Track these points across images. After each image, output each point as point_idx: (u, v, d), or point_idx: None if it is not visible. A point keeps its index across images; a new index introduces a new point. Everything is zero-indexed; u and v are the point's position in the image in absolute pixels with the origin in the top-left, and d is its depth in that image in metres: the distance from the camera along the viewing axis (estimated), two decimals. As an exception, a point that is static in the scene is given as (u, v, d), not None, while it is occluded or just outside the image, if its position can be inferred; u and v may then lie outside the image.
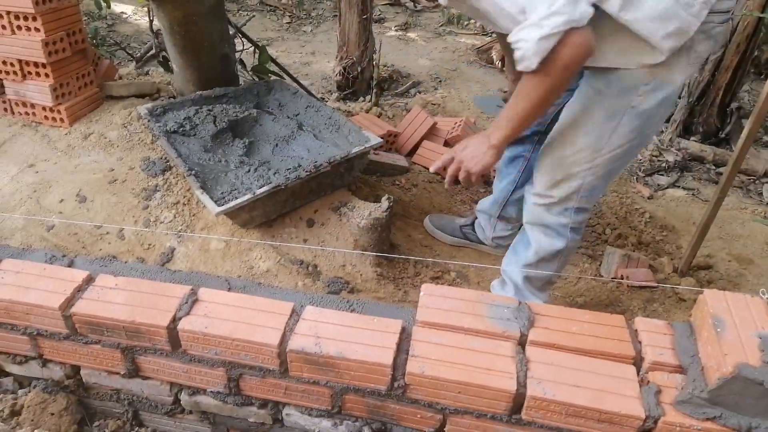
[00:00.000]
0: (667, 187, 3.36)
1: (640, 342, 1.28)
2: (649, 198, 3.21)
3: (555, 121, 1.89)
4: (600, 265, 2.50)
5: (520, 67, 1.39)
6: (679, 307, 2.27)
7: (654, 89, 1.49)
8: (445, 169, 1.69)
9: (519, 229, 2.36)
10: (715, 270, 2.58)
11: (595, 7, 1.34)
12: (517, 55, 1.37)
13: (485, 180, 2.14)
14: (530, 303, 1.36)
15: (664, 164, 3.54)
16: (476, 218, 2.46)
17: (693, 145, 3.65)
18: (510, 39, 1.37)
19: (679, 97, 4.00)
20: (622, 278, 2.37)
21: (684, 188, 3.37)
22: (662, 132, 3.88)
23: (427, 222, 2.56)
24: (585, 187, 1.69)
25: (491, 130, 1.57)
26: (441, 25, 6.34)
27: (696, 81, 3.66)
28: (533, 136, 2.05)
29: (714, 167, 3.57)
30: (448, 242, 2.51)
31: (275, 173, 2.08)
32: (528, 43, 1.32)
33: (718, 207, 2.27)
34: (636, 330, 1.31)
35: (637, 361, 1.25)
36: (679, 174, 3.49)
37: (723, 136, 3.77)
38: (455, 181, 1.67)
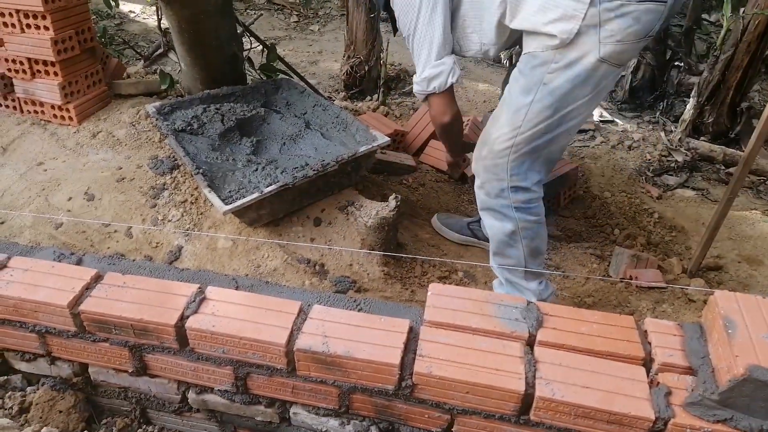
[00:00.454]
0: (676, 188, 3.34)
1: (649, 343, 1.27)
2: (658, 198, 3.19)
3: None
4: (608, 265, 2.49)
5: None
6: (689, 309, 2.26)
7: (564, 67, 1.62)
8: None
9: None
10: (725, 271, 2.56)
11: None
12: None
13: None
14: (539, 303, 1.35)
15: (673, 164, 3.52)
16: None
17: (703, 145, 3.62)
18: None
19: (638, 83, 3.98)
20: (631, 279, 2.36)
21: (693, 188, 3.34)
22: (672, 132, 3.85)
23: (435, 220, 2.56)
24: (511, 165, 1.78)
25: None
26: (448, 24, 6.31)
27: (706, 80, 3.63)
28: None
29: (724, 167, 3.54)
30: (455, 240, 2.51)
31: (282, 172, 2.08)
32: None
33: (728, 207, 2.25)
34: (645, 331, 1.30)
35: (647, 362, 1.24)
36: (688, 174, 3.47)
37: (733, 135, 3.74)
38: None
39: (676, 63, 4.28)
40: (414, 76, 1.90)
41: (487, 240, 2.47)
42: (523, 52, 1.72)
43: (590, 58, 1.60)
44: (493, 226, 1.92)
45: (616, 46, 1.58)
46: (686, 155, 3.56)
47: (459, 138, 2.16)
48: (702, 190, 3.32)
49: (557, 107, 1.67)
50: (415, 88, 1.92)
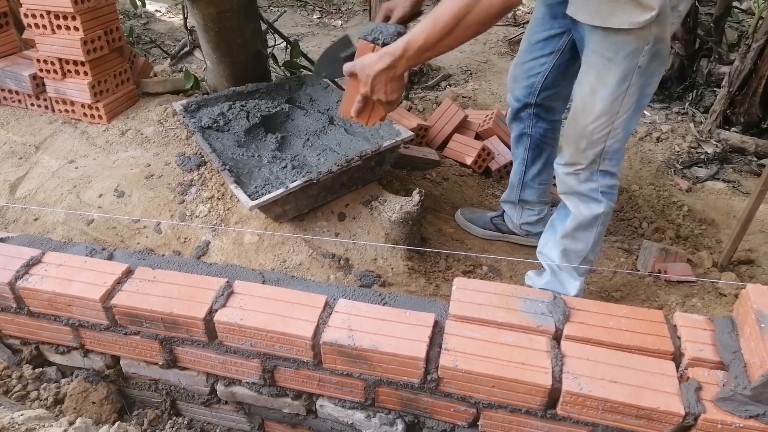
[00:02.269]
0: (706, 180, 3.27)
1: (679, 337, 1.25)
2: (687, 191, 3.13)
3: (545, 88, 2.04)
4: (636, 259, 2.45)
5: None
6: (719, 303, 2.21)
7: (653, 47, 1.59)
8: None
9: (545, 212, 2.35)
10: (757, 265, 2.51)
11: None
12: None
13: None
14: (566, 297, 1.34)
15: (703, 156, 3.45)
16: (504, 210, 2.48)
17: (733, 136, 3.54)
18: None
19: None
20: (660, 273, 2.32)
21: (724, 180, 3.27)
22: (701, 123, 3.77)
23: (459, 215, 2.55)
24: (607, 149, 1.76)
25: (396, 49, 1.44)
26: (471, 17, 6.26)
27: (737, 70, 3.54)
28: (525, 108, 2.11)
29: (755, 159, 3.45)
30: (480, 235, 2.50)
31: (307, 168, 2.09)
32: None
33: (761, 200, 2.20)
34: (675, 325, 1.28)
35: (677, 357, 1.22)
36: (718, 166, 3.39)
37: (765, 126, 3.64)
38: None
39: (706, 52, 4.18)
40: None
41: (511, 233, 2.46)
42: (593, 23, 1.58)
43: (668, 38, 1.61)
44: (577, 206, 1.89)
45: (676, 26, 1.60)
46: (716, 147, 3.48)
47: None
48: (733, 183, 3.24)
49: (644, 85, 1.68)
50: None
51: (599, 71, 1.67)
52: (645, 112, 4.01)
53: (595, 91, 1.69)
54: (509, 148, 2.93)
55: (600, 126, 1.72)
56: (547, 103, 2.09)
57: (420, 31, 1.41)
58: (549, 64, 1.99)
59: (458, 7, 1.34)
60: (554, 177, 2.00)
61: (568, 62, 1.97)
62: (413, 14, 1.77)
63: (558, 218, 2.00)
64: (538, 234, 2.39)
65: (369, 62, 1.48)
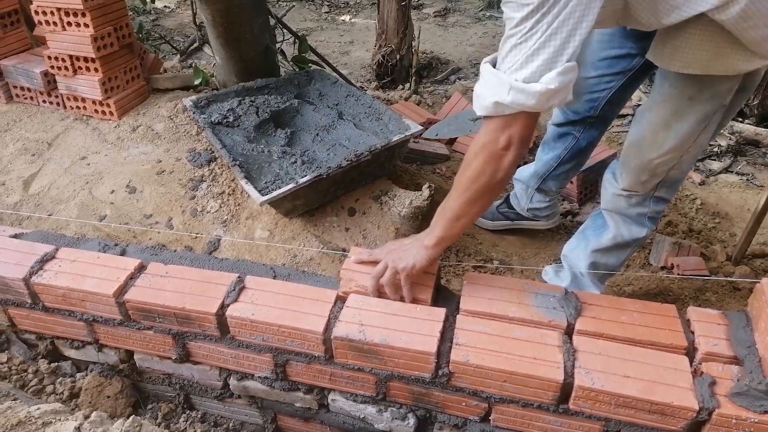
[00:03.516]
0: (719, 173, 3.23)
1: (692, 332, 1.24)
2: (700, 184, 3.10)
3: (608, 104, 1.89)
4: (649, 253, 2.43)
5: (475, 105, 1.25)
6: (733, 297, 2.20)
7: (743, 87, 1.46)
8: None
9: (555, 201, 2.32)
10: (772, 258, 2.48)
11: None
12: (476, 91, 1.25)
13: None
14: (577, 292, 1.33)
15: (716, 149, 3.41)
16: (509, 193, 2.44)
17: (747, 129, 3.49)
18: (481, 69, 1.25)
19: None
20: (672, 267, 2.30)
21: (738, 173, 3.23)
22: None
23: None
24: (668, 179, 1.67)
25: (427, 230, 1.37)
26: (480, 10, 6.24)
27: (751, 61, 3.49)
28: (585, 119, 2.01)
29: (770, 151, 3.41)
30: (489, 227, 2.48)
31: (317, 163, 2.09)
32: (487, 95, 1.19)
33: (776, 192, 2.18)
34: (688, 320, 1.27)
35: (690, 352, 1.21)
36: (732, 159, 3.35)
37: (780, 118, 3.60)
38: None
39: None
40: (496, 75, 1.18)
41: (520, 218, 2.43)
42: (687, 71, 1.39)
43: (762, 70, 1.44)
44: (619, 226, 1.81)
45: None
46: (730, 139, 3.44)
47: (493, 200, 1.50)
48: (747, 175, 3.21)
49: (724, 118, 1.55)
50: (507, 97, 1.16)
51: (678, 108, 1.50)
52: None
53: (669, 126, 1.53)
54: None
55: (667, 161, 1.60)
56: (606, 115, 2.00)
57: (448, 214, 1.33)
58: (616, 83, 1.85)
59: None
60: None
61: (637, 80, 1.86)
62: None
63: (592, 228, 1.92)
64: (545, 217, 2.37)
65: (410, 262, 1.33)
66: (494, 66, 1.21)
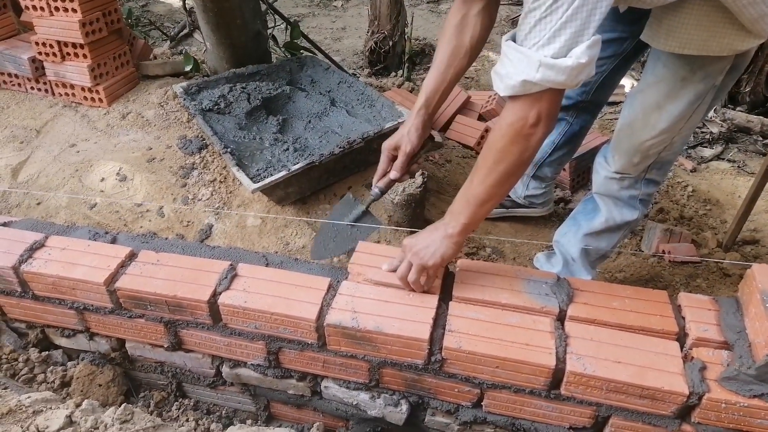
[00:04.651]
0: (711, 160, 3.24)
1: (683, 317, 1.25)
2: (692, 171, 3.11)
3: (600, 88, 1.88)
4: (640, 240, 2.44)
5: (498, 86, 1.21)
6: (724, 283, 2.21)
7: (735, 67, 1.44)
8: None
9: (550, 187, 2.32)
10: (762, 245, 2.50)
11: None
12: (499, 71, 1.20)
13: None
14: (570, 278, 1.34)
15: (708, 136, 3.42)
16: None
17: (739, 116, 3.50)
18: (503, 48, 1.19)
19: None
20: (664, 253, 2.31)
21: (729, 161, 3.24)
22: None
23: None
24: (659, 161, 1.67)
25: (447, 219, 1.31)
26: (474, -3, 6.18)
27: (743, 48, 3.49)
28: (577, 104, 2.02)
29: (761, 138, 3.42)
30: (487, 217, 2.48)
31: (309, 150, 2.08)
32: (513, 74, 1.14)
33: (766, 179, 2.18)
34: (679, 305, 1.28)
35: (681, 337, 1.22)
36: (723, 146, 3.36)
37: (771, 105, 3.61)
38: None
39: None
40: (522, 52, 1.12)
41: (515, 206, 2.44)
42: (684, 52, 1.38)
43: (752, 51, 1.42)
44: (611, 210, 1.81)
45: None
46: (722, 126, 3.45)
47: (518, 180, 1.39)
48: (738, 162, 3.22)
49: (715, 99, 1.54)
50: (536, 75, 1.10)
51: (671, 89, 1.49)
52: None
53: (661, 107, 1.53)
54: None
55: (659, 142, 1.59)
56: (598, 99, 2.00)
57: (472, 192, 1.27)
58: (608, 67, 1.84)
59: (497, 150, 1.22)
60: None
61: (628, 63, 1.85)
62: (422, 141, 1.51)
63: (583, 213, 1.93)
64: (540, 204, 2.38)
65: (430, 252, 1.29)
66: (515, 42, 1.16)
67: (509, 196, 2.43)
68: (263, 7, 2.82)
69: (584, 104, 1.99)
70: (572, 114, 2.05)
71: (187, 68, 2.80)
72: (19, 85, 2.69)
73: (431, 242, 1.30)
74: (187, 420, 1.52)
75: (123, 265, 1.40)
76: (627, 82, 4.04)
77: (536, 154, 1.25)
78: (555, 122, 1.22)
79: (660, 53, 1.48)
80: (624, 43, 1.76)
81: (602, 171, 1.78)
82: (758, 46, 1.42)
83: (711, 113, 3.54)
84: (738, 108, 3.61)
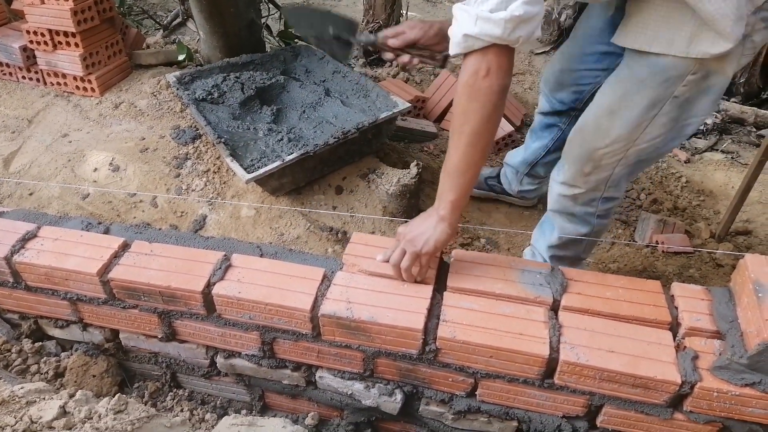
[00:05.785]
0: (704, 151, 3.25)
1: (676, 307, 1.26)
2: (685, 162, 3.11)
3: (592, 97, 1.84)
4: (634, 230, 2.45)
5: (450, 48, 1.25)
6: (716, 273, 2.22)
7: (701, 79, 1.37)
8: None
9: (544, 183, 2.34)
10: (755, 235, 2.51)
11: None
12: (448, 33, 1.24)
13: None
14: (564, 268, 1.34)
15: (702, 127, 3.42)
16: (501, 168, 2.47)
17: (733, 107, 3.51)
18: (453, 9, 1.23)
19: None
20: (657, 244, 2.32)
21: (723, 152, 3.25)
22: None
23: None
24: (614, 177, 1.61)
25: (436, 203, 1.32)
26: (469, -14, 6.15)
27: (738, 39, 3.49)
28: (570, 111, 2.01)
29: (755, 129, 3.43)
30: (474, 194, 2.52)
31: (303, 140, 2.07)
32: (457, 31, 1.20)
33: (759, 170, 2.19)
34: (672, 295, 1.28)
35: (674, 327, 1.23)
36: (717, 137, 3.37)
37: (765, 96, 3.61)
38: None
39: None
40: (464, 10, 1.18)
41: (504, 193, 2.46)
42: (638, 50, 1.40)
43: (729, 72, 1.37)
44: (564, 228, 1.79)
45: (748, 59, 1.38)
46: (716, 117, 3.46)
47: (492, 140, 1.33)
48: (732, 153, 3.23)
49: (679, 119, 1.46)
50: (474, 28, 1.16)
51: (626, 92, 1.46)
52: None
53: (615, 112, 1.49)
54: (507, 120, 2.91)
55: (612, 152, 1.53)
56: None
57: (451, 172, 1.29)
58: (602, 79, 1.72)
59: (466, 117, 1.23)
60: None
61: None
62: (429, 39, 1.49)
63: (547, 223, 1.90)
64: (533, 198, 2.40)
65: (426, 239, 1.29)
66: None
67: (500, 184, 2.46)
68: (257, -5, 2.79)
69: (576, 112, 1.95)
70: (565, 121, 2.06)
71: (181, 57, 2.78)
72: (10, 74, 2.66)
73: (425, 229, 1.30)
74: (181, 410, 1.52)
75: (116, 256, 1.39)
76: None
77: (501, 110, 1.25)
78: (508, 76, 1.23)
79: (626, 54, 1.46)
80: (619, 58, 1.73)
81: (554, 185, 1.75)
82: (740, 66, 1.37)
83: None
84: (732, 99, 3.62)
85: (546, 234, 1.91)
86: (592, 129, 1.56)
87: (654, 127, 1.46)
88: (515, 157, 2.35)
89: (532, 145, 2.22)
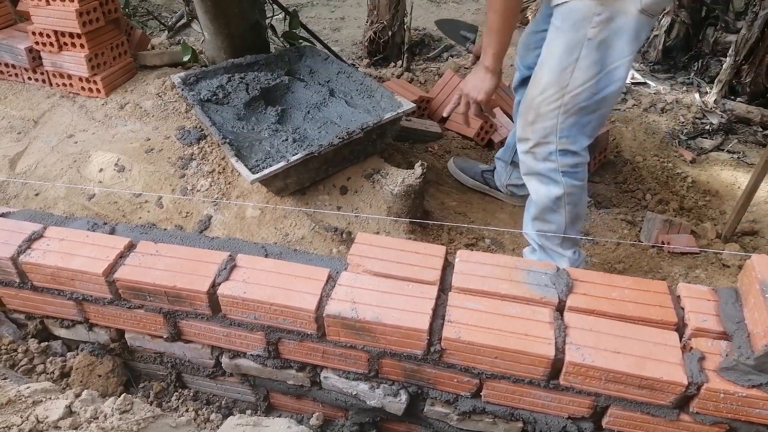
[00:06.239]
0: (710, 151, 3.24)
1: (683, 308, 1.25)
2: (691, 162, 3.10)
3: None
4: (640, 231, 2.45)
5: None
6: (723, 274, 2.21)
7: (608, 20, 1.54)
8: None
9: None
10: (761, 236, 2.50)
11: None
12: None
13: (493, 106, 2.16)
14: (569, 269, 1.34)
15: (708, 127, 3.41)
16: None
17: (739, 106, 3.50)
18: None
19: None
20: (663, 244, 2.31)
21: (729, 152, 3.24)
22: (707, 93, 3.72)
23: (451, 164, 2.63)
24: (560, 127, 1.73)
25: (481, 58, 1.73)
26: (473, -13, 6.15)
27: (744, 39, 3.48)
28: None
29: (761, 129, 3.42)
30: (468, 185, 2.60)
31: (308, 141, 2.07)
32: None
33: (766, 170, 2.18)
34: (679, 296, 1.28)
35: (680, 328, 1.22)
36: (723, 137, 3.36)
37: (772, 96, 3.60)
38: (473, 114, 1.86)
39: (712, 21, 4.11)
40: None
41: (497, 189, 2.49)
42: (554, 4, 1.62)
43: (631, 9, 1.52)
44: (538, 191, 1.87)
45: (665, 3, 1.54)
46: (722, 117, 3.44)
47: (520, 4, 1.75)
48: (738, 153, 3.22)
49: (603, 63, 1.60)
50: None
51: (548, 41, 1.66)
52: (649, 81, 3.96)
53: (543, 63, 1.69)
54: (512, 119, 2.91)
55: (547, 99, 1.69)
56: None
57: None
58: None
59: None
60: None
61: None
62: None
63: (529, 200, 1.98)
64: (523, 196, 2.42)
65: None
66: None
67: (494, 179, 2.51)
68: (261, -4, 2.80)
69: None
70: None
71: (185, 58, 2.79)
72: (16, 75, 2.68)
73: (477, 82, 1.76)
74: (186, 410, 1.52)
75: (122, 256, 1.39)
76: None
77: None
78: None
79: (553, 12, 1.65)
80: None
81: (518, 149, 1.90)
82: (652, 8, 1.53)
83: (711, 103, 3.53)
84: (738, 99, 3.60)
85: (530, 210, 1.97)
86: (530, 82, 1.77)
87: (580, 71, 1.62)
88: (503, 150, 2.44)
89: (514, 129, 2.28)
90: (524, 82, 2.11)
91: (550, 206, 1.87)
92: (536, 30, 2.02)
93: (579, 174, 1.83)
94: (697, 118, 3.48)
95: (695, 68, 4.05)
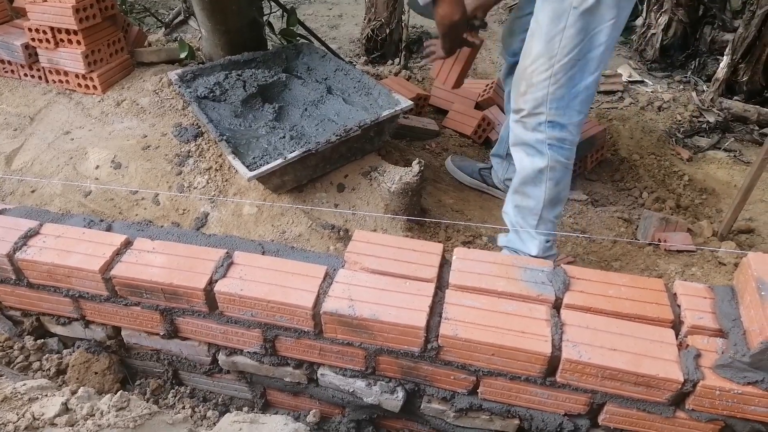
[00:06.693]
0: (707, 149, 3.25)
1: (679, 306, 1.25)
2: (688, 160, 3.11)
3: None
4: (636, 229, 2.45)
5: None
6: (719, 272, 2.22)
7: None
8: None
9: None
10: (757, 234, 2.51)
11: None
12: None
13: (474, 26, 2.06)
14: (566, 267, 1.34)
15: (704, 125, 3.42)
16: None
17: (736, 105, 3.50)
18: None
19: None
20: (660, 242, 2.32)
21: (725, 150, 3.25)
22: (704, 91, 3.73)
23: (449, 162, 2.64)
24: (551, 97, 1.74)
25: None
26: (471, -16, 6.14)
27: (741, 37, 3.49)
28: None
29: (757, 128, 3.42)
30: (465, 183, 2.61)
31: (305, 138, 2.07)
32: None
33: (762, 169, 2.19)
34: (675, 293, 1.28)
35: (676, 325, 1.23)
36: (720, 135, 3.36)
37: (768, 94, 3.61)
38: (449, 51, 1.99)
39: (709, 19, 4.12)
40: None
41: (495, 187, 2.49)
42: None
43: None
44: (522, 160, 1.88)
45: None
46: (718, 115, 3.45)
47: (462, 34, 1.99)
48: (734, 152, 3.22)
49: (587, 29, 1.64)
50: None
51: (536, 12, 1.70)
52: (646, 80, 3.97)
53: (532, 33, 1.73)
54: (509, 117, 2.91)
55: (538, 69, 1.72)
56: None
57: None
58: None
59: None
60: None
61: None
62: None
63: (515, 172, 1.99)
64: None
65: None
66: None
67: (491, 177, 2.49)
68: (259, -7, 2.79)
69: None
70: None
71: (182, 55, 2.78)
72: (12, 71, 2.66)
73: (445, 7, 1.84)
74: (183, 407, 1.52)
75: (118, 253, 1.39)
76: (624, 71, 4.03)
77: None
78: None
79: None
80: None
81: (510, 119, 1.91)
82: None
83: (708, 101, 3.54)
84: (735, 97, 3.61)
85: (513, 185, 1.98)
86: (522, 53, 1.79)
87: (567, 39, 1.65)
88: (498, 145, 2.46)
89: (506, 122, 2.30)
90: (511, 70, 2.12)
91: (532, 177, 1.87)
92: (520, 15, 2.06)
93: (565, 150, 1.84)
94: (694, 117, 3.49)
95: (692, 67, 4.06)
